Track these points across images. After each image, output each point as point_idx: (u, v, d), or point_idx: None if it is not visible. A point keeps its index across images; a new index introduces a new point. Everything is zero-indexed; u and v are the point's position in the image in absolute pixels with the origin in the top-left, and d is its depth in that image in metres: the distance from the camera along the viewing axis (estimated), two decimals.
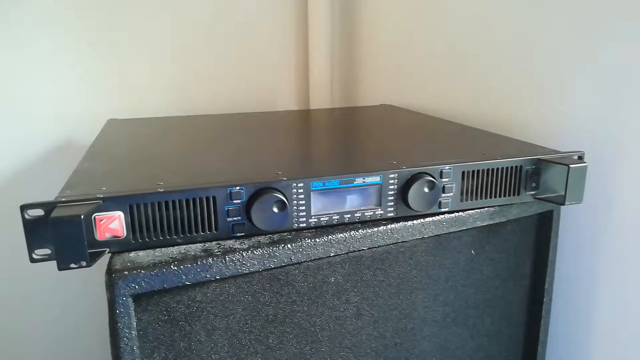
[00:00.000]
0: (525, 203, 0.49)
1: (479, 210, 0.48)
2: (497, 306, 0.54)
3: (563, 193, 0.46)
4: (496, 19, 0.65)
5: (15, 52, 0.77)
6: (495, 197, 0.48)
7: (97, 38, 0.81)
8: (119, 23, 0.83)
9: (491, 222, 0.49)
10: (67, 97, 0.81)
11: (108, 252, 0.38)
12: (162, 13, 0.85)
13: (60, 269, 0.35)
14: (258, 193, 0.40)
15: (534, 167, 0.48)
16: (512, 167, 0.47)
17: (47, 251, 0.36)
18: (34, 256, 0.36)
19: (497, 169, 0.47)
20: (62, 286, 0.86)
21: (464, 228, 0.48)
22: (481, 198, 0.47)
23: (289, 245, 0.40)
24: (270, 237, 0.41)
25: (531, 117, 0.61)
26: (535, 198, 0.48)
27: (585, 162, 0.46)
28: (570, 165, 0.45)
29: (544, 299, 0.55)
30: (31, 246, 0.36)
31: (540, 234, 0.54)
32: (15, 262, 0.81)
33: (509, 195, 0.48)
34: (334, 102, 0.99)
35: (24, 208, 0.35)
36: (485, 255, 0.51)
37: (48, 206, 0.36)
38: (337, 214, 0.43)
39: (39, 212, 0.36)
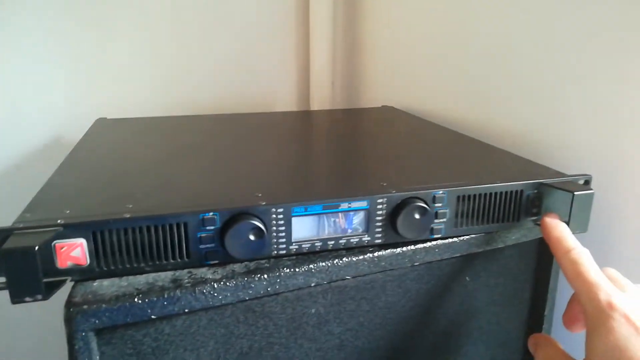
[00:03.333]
0: (525, 228, 0.46)
1: (474, 235, 0.44)
2: (493, 334, 0.51)
3: (567, 220, 0.42)
4: (505, 21, 0.61)
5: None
6: (493, 222, 0.44)
7: (87, 33, 0.79)
8: (110, 18, 0.80)
9: (488, 248, 0.46)
10: (54, 95, 0.79)
11: (70, 281, 0.35)
12: (158, 8, 0.82)
13: (13, 302, 0.32)
14: (233, 219, 0.37)
15: (535, 191, 0.44)
16: (512, 192, 0.44)
17: (2, 279, 0.34)
18: None
19: (496, 193, 0.43)
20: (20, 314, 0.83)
21: (458, 254, 0.45)
22: (478, 224, 0.44)
23: (265, 275, 0.38)
24: (246, 265, 0.39)
25: (535, 131, 0.57)
26: (536, 224, 0.45)
27: (591, 189, 0.42)
28: (575, 192, 0.41)
29: (543, 326, 0.52)
30: None
31: (540, 260, 0.50)
32: None
33: (508, 221, 0.44)
34: (335, 104, 0.95)
35: None
36: (480, 281, 0.48)
37: (2, 234, 0.33)
38: (320, 240, 0.40)
39: None
